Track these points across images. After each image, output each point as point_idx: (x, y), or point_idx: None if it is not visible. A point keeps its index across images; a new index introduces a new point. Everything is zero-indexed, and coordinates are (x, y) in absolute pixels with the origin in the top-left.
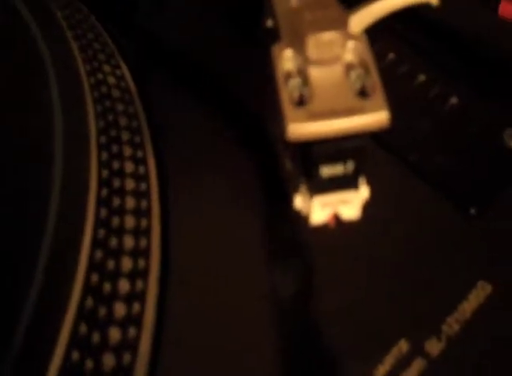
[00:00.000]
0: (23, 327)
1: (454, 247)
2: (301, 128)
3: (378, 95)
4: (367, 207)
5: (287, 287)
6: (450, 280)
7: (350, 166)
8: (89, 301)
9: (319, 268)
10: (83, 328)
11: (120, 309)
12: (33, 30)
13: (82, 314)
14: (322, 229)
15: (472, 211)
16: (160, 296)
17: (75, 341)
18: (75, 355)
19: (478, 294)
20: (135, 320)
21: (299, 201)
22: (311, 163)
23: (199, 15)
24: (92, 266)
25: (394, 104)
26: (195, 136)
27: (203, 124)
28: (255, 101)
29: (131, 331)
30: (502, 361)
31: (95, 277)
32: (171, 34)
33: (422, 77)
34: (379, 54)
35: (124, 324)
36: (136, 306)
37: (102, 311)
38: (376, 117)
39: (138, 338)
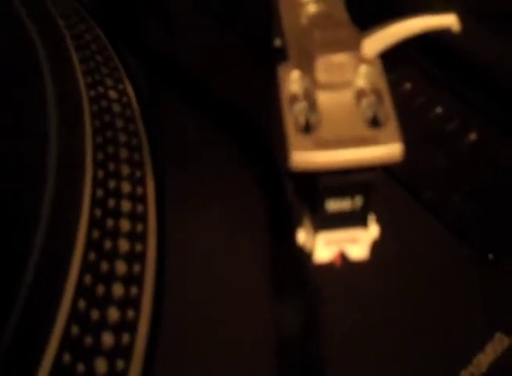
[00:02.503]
0: (13, 323)
1: (470, 294)
2: (306, 157)
3: (391, 126)
4: (376, 247)
5: (291, 320)
6: (465, 330)
7: (358, 201)
8: (82, 304)
9: (323, 304)
10: (75, 330)
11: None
12: (35, 40)
13: (74, 317)
14: (328, 265)
15: (490, 256)
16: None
17: (67, 343)
18: (66, 357)
19: (495, 347)
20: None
21: (302, 236)
22: (316, 196)
23: (208, 35)
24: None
25: (409, 137)
26: (200, 158)
27: (210, 146)
28: (264, 124)
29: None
30: None
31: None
32: (180, 54)
33: (439, 110)
34: (394, 83)
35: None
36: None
37: (95, 314)
38: (388, 150)
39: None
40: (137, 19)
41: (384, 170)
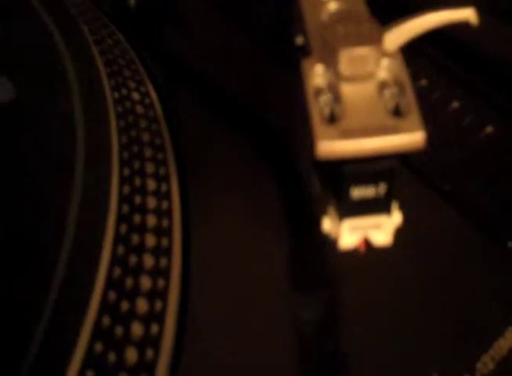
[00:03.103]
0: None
1: (490, 281)
2: (332, 146)
3: (414, 115)
4: (399, 236)
5: (311, 315)
6: (486, 315)
7: (382, 189)
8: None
9: (343, 294)
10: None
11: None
12: (60, 46)
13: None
14: (348, 254)
15: (510, 244)
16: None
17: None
18: (98, 347)
19: None
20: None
21: (327, 224)
22: (341, 184)
23: (221, 34)
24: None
25: (427, 131)
26: (218, 156)
27: (227, 144)
28: (280, 122)
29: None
30: None
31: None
32: (195, 56)
33: (456, 104)
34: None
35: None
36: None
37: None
38: (411, 138)
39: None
40: (153, 22)
41: (404, 163)
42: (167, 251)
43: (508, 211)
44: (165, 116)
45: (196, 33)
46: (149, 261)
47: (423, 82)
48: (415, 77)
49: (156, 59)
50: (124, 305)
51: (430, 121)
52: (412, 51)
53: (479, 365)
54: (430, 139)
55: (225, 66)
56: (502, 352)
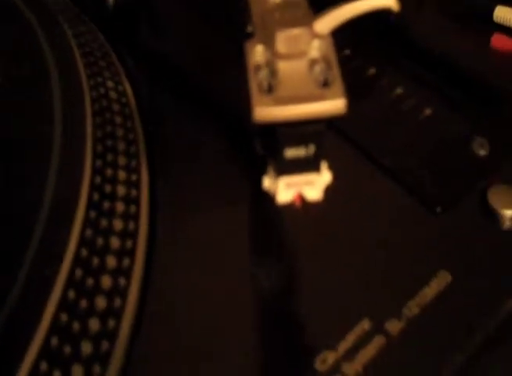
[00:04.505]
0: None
1: (419, 239)
2: (267, 112)
3: (337, 86)
4: (339, 198)
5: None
6: (413, 267)
7: (311, 149)
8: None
9: (290, 249)
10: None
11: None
12: (42, 43)
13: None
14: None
15: (438, 209)
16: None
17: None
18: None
19: (439, 282)
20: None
21: (267, 182)
22: (276, 145)
23: (195, 31)
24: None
25: (373, 113)
26: (182, 133)
27: (192, 121)
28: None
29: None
30: (458, 341)
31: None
32: (168, 52)
33: (399, 90)
34: (360, 67)
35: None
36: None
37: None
38: (334, 104)
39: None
40: (130, 20)
41: (345, 138)
42: (135, 216)
43: (438, 180)
44: (137, 105)
45: (169, 30)
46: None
47: (372, 71)
48: (364, 66)
49: (134, 57)
50: (89, 282)
51: (375, 105)
52: (361, 41)
53: (405, 310)
54: (376, 119)
55: (198, 62)
56: (426, 300)
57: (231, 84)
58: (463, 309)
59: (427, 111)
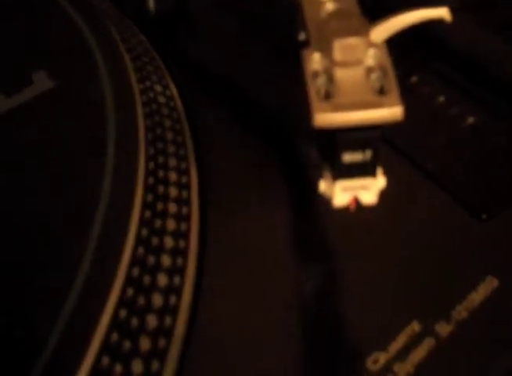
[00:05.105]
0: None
1: (466, 245)
2: (326, 118)
3: (394, 94)
4: (386, 203)
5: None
6: (461, 273)
7: (368, 154)
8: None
9: (336, 252)
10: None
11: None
12: (94, 51)
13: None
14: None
15: (484, 216)
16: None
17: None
18: (105, 360)
19: (486, 287)
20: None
21: (323, 185)
22: (334, 149)
23: (232, 34)
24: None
25: (416, 121)
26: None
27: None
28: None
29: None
30: (506, 344)
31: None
32: (208, 59)
33: (442, 99)
34: (403, 76)
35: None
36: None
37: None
38: (391, 111)
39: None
40: (170, 26)
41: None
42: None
43: (483, 188)
44: (185, 109)
45: (208, 36)
46: (169, 242)
47: (414, 79)
48: (406, 75)
49: (176, 62)
50: (146, 279)
51: (419, 113)
52: (405, 53)
53: (454, 313)
54: (419, 127)
55: (236, 65)
56: (474, 304)
57: (270, 93)
58: (510, 313)
59: (470, 120)
